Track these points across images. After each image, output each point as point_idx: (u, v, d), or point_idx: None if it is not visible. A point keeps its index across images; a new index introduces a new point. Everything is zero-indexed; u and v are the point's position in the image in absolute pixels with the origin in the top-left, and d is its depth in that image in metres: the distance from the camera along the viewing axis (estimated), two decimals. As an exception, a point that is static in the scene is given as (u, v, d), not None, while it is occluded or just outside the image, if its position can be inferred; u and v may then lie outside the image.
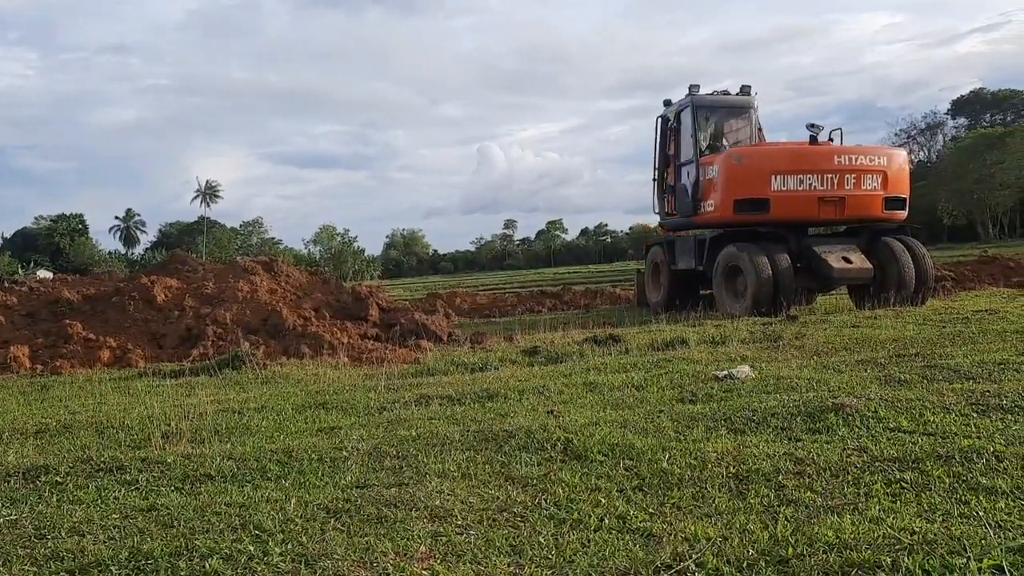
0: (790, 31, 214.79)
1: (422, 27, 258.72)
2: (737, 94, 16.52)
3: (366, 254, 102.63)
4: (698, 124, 15.91)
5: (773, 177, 13.83)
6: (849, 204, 13.89)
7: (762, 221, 13.97)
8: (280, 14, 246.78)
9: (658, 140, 17.21)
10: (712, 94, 16.48)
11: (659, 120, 17.07)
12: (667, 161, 17.01)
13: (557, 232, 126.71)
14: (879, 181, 13.92)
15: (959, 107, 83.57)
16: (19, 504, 4.02)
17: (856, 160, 13.91)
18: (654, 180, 17.56)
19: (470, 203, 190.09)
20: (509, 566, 2.96)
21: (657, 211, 17.72)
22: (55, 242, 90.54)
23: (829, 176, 13.83)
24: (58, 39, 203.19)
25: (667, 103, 16.86)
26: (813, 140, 14.33)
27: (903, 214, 14.45)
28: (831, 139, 14.71)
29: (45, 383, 9.29)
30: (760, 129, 16.48)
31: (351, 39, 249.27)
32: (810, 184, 13.80)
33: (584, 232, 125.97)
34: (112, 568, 3.10)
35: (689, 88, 16.21)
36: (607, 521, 3.32)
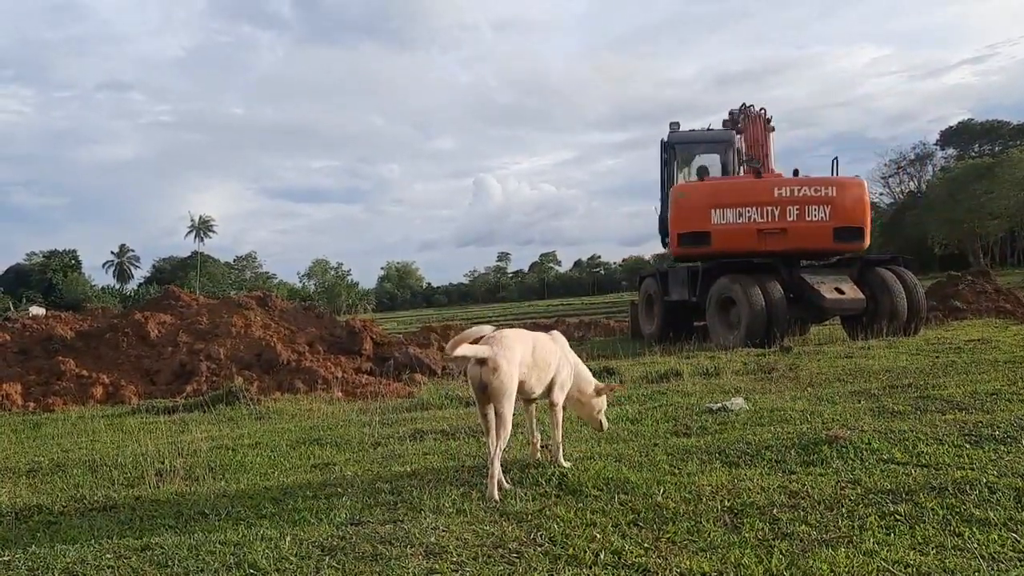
0: (779, 64, 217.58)
1: (416, 61, 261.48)
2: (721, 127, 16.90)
3: (360, 287, 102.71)
4: (676, 160, 16.37)
5: (713, 211, 14.34)
6: (791, 235, 14.13)
7: (704, 254, 14.48)
8: (276, 50, 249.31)
9: (662, 168, 17.48)
10: (692, 130, 17.01)
11: (661, 145, 17.33)
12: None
13: (550, 264, 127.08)
14: (827, 212, 14.05)
15: (948, 138, 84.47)
16: (12, 544, 3.99)
17: (799, 191, 14.14)
18: (655, 209, 17.82)
19: (464, 236, 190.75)
20: (505, 603, 2.95)
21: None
22: (48, 278, 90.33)
23: (769, 208, 14.16)
24: (55, 76, 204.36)
25: (673, 126, 17.13)
26: (757, 173, 14.72)
27: (861, 244, 14.34)
28: (796, 171, 15.01)
29: (38, 421, 9.24)
30: (749, 159, 16.67)
31: (346, 74, 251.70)
32: (750, 216, 14.20)
33: (577, 264, 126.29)
34: (105, 609, 3.08)
35: (670, 125, 16.67)
36: (602, 556, 3.32)
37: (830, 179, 14.67)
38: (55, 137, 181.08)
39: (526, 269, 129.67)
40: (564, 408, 5.03)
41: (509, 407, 4.35)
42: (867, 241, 14.41)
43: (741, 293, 13.18)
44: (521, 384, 4.55)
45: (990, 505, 3.65)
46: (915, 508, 3.68)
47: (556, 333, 5.12)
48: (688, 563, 3.17)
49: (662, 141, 17.16)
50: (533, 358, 4.62)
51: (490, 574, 3.20)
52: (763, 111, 17.04)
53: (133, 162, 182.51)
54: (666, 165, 16.94)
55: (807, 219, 14.01)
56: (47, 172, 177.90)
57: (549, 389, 4.85)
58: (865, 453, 4.73)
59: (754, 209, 14.15)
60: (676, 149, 16.60)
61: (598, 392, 5.17)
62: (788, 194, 14.07)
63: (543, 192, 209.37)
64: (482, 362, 4.27)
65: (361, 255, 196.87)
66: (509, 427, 4.38)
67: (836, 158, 15.32)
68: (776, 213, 14.08)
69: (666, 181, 16.90)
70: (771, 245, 14.17)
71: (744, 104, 17.46)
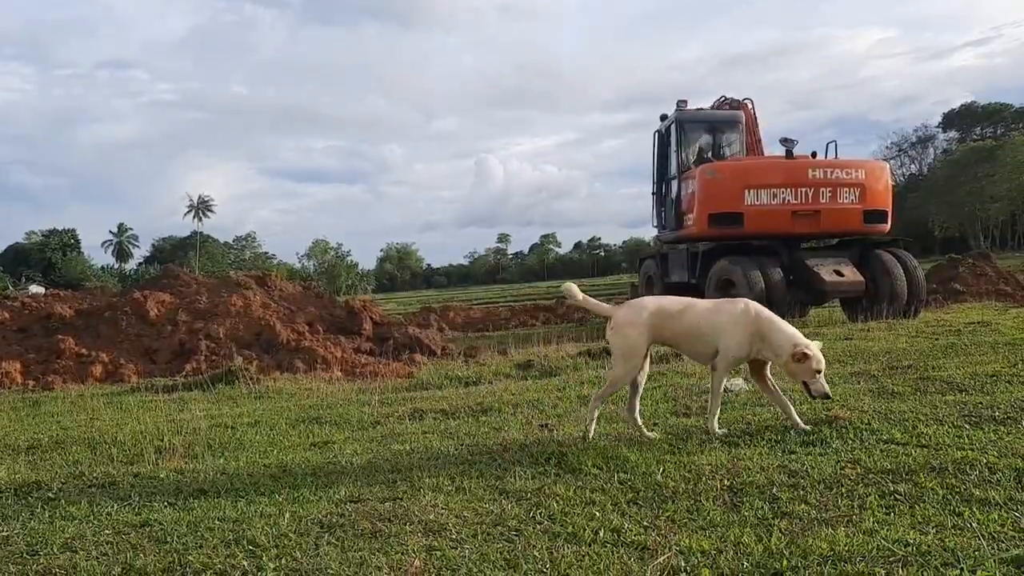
0: (783, 46, 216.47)
1: (418, 43, 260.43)
2: (728, 107, 16.82)
3: (360, 268, 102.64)
4: (684, 139, 16.16)
5: (746, 191, 13.90)
6: (824, 218, 13.90)
7: (736, 235, 14.02)
8: (279, 30, 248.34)
9: (655, 155, 17.30)
10: (699, 109, 16.78)
11: (655, 135, 17.19)
12: (663, 175, 17.16)
13: (551, 246, 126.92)
14: (857, 194, 13.91)
15: (950, 120, 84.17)
16: (11, 520, 3.99)
17: (831, 174, 13.88)
18: (653, 194, 17.62)
19: (465, 217, 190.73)
20: (504, 580, 2.95)
21: (655, 224, 17.81)
22: (47, 257, 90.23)
23: (803, 190, 13.82)
24: (55, 55, 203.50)
25: (663, 118, 17.00)
26: (789, 154, 14.40)
27: (885, 227, 14.37)
28: (814, 153, 14.79)
29: (37, 399, 9.24)
30: (759, 141, 16.58)
31: (348, 55, 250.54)
32: (784, 198, 13.83)
33: (578, 246, 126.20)
34: (104, 584, 3.08)
35: (677, 104, 16.47)
36: (602, 534, 3.31)
37: (859, 162, 14.52)
38: (56, 116, 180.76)
39: (526, 251, 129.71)
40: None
41: (620, 365, 4.99)
42: (890, 224, 14.39)
43: (741, 275, 13.13)
44: (669, 342, 5.26)
45: (990, 485, 3.65)
46: (915, 488, 3.68)
47: (746, 302, 5.05)
48: (687, 541, 3.17)
49: (661, 118, 17.03)
50: (673, 322, 5.03)
51: (489, 551, 3.19)
52: (749, 101, 16.97)
53: (134, 141, 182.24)
54: (666, 145, 16.77)
55: (839, 201, 13.83)
56: (47, 151, 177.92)
57: (714, 355, 5.02)
58: (865, 433, 4.72)
59: (788, 190, 13.82)
60: (685, 128, 16.41)
61: (795, 358, 4.74)
62: (822, 176, 13.83)
63: (545, 173, 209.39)
64: (607, 319, 5.11)
65: (362, 235, 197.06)
66: (613, 381, 5.07)
67: (835, 142, 15.17)
68: (810, 195, 13.79)
69: (668, 160, 16.74)
70: (804, 227, 13.98)
71: (724, 96, 17.35)
